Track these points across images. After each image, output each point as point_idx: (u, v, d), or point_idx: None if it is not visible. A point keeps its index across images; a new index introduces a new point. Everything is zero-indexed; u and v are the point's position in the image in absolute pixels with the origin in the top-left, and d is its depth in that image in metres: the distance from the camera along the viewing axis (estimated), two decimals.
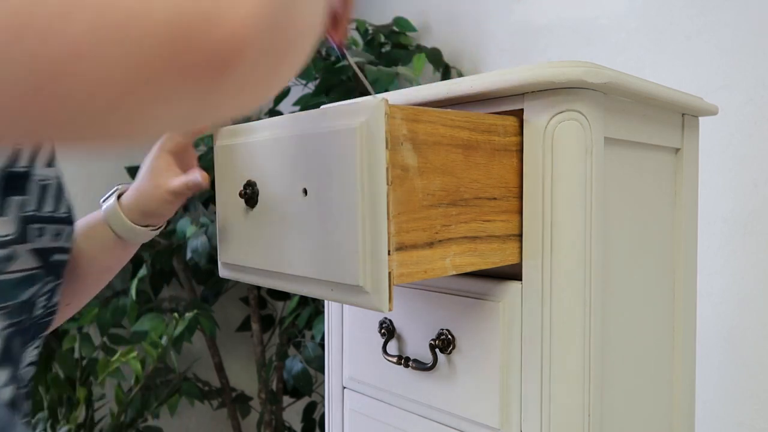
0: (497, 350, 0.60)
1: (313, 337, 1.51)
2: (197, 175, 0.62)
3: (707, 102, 0.75)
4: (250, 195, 0.58)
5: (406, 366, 0.66)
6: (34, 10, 0.21)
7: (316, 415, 1.66)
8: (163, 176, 0.63)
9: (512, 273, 0.60)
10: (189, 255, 1.38)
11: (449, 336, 0.63)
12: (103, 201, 0.65)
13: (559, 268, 0.56)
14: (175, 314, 1.43)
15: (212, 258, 1.40)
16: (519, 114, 0.58)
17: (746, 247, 1.04)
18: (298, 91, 1.69)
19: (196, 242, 1.37)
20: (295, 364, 1.52)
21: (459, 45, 1.51)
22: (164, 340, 1.40)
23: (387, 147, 0.47)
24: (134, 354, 1.41)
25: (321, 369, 1.45)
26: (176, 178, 0.63)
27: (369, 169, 0.47)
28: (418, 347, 0.67)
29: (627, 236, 0.65)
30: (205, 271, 1.65)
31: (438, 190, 0.52)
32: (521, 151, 0.58)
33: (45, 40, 0.21)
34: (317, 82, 1.47)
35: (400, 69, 1.35)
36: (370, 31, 1.52)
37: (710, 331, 1.07)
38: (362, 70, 1.38)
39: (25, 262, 0.47)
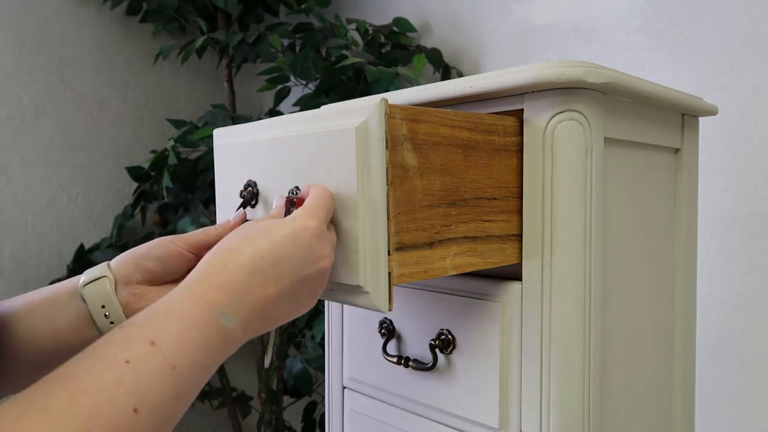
0: (497, 350, 0.60)
1: (313, 337, 1.51)
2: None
3: (707, 102, 0.75)
4: (250, 195, 0.58)
5: (406, 366, 0.66)
6: None
7: (316, 415, 1.66)
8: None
9: (512, 273, 0.60)
10: None
11: (449, 336, 0.63)
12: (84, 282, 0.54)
13: (559, 268, 0.56)
14: None
15: None
16: (519, 114, 0.58)
17: (746, 247, 1.04)
18: (298, 92, 1.69)
19: None
20: (295, 364, 1.52)
21: (459, 45, 1.51)
22: None
23: (387, 147, 0.47)
24: None
25: (321, 369, 1.45)
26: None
27: (369, 169, 0.47)
28: (418, 347, 0.67)
29: (627, 236, 0.65)
30: None
31: (438, 190, 0.52)
32: (521, 151, 0.58)
33: None
34: (317, 82, 1.47)
35: (401, 69, 1.35)
36: (370, 32, 1.52)
37: (710, 331, 1.07)
38: (362, 71, 1.38)
39: None
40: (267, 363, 0.56)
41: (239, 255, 0.44)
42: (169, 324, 0.39)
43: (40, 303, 0.52)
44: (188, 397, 0.38)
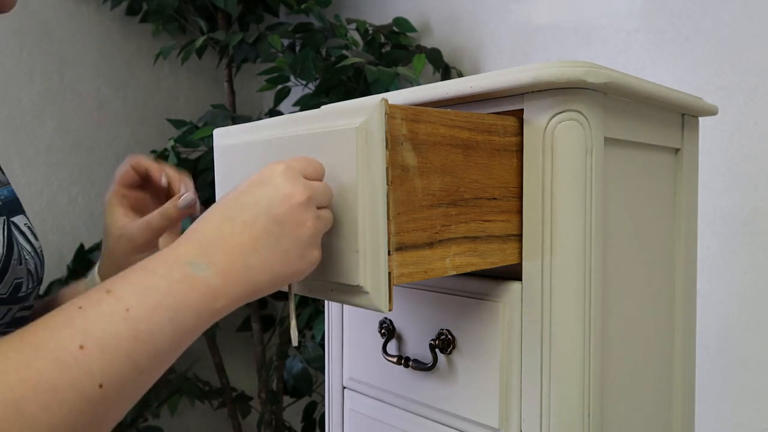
0: (497, 350, 0.60)
1: (313, 337, 1.51)
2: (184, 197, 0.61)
3: (707, 102, 0.75)
4: None
5: (406, 366, 0.66)
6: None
7: (316, 415, 1.66)
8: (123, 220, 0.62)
9: (512, 273, 0.60)
10: None
11: (449, 336, 0.63)
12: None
13: (559, 268, 0.56)
14: None
15: None
16: (519, 114, 0.58)
17: (746, 247, 1.04)
18: (298, 92, 1.69)
19: None
20: (295, 364, 1.52)
21: (459, 45, 1.51)
22: None
23: (387, 147, 0.47)
24: None
25: (321, 369, 1.45)
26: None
27: (369, 169, 0.47)
28: (418, 347, 0.67)
29: (627, 236, 0.65)
30: None
31: (438, 190, 0.52)
32: (521, 151, 0.58)
33: None
34: (317, 82, 1.47)
35: (401, 69, 1.35)
36: (370, 32, 1.52)
37: (710, 331, 1.07)
38: (362, 71, 1.38)
39: None
40: (294, 341, 0.55)
41: (209, 212, 0.46)
42: (132, 275, 0.41)
43: (69, 291, 0.65)
44: (153, 338, 0.39)
